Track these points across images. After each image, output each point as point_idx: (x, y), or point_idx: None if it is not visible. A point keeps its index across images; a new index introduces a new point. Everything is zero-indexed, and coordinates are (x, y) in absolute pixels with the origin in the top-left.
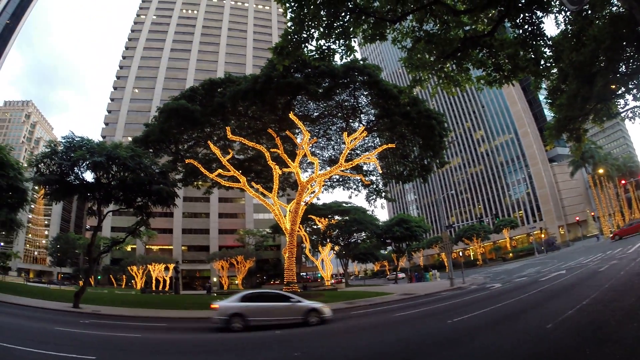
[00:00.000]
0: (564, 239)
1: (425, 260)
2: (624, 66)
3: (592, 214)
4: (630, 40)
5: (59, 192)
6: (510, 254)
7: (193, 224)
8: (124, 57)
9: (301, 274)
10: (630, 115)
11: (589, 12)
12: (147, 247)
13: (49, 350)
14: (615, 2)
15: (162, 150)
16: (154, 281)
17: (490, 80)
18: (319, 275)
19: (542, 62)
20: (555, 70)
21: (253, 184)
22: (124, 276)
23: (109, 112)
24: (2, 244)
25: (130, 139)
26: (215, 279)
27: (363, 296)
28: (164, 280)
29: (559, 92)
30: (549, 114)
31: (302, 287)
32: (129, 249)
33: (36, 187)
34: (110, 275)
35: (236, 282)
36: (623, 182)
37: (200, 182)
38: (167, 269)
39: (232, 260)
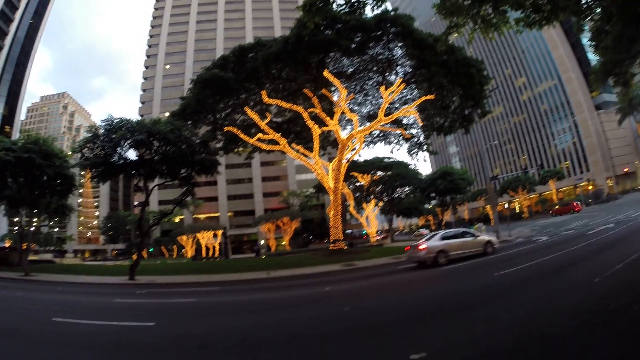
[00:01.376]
0: (612, 191)
1: (470, 214)
2: None
3: None
4: None
5: (104, 173)
6: (557, 207)
7: (237, 189)
8: (151, 36)
9: (346, 231)
10: None
11: None
12: (194, 216)
13: (111, 321)
14: None
15: (200, 121)
16: (203, 249)
17: (530, 22)
18: (364, 232)
19: (584, 1)
20: (598, 10)
21: (293, 145)
22: (174, 246)
23: (144, 90)
24: (57, 229)
25: (167, 114)
26: (262, 242)
27: None
28: (213, 247)
29: (603, 33)
30: (593, 58)
31: (348, 244)
32: (177, 220)
33: (82, 172)
34: (162, 247)
35: (283, 243)
36: None
37: (241, 149)
38: (215, 236)
39: (278, 222)
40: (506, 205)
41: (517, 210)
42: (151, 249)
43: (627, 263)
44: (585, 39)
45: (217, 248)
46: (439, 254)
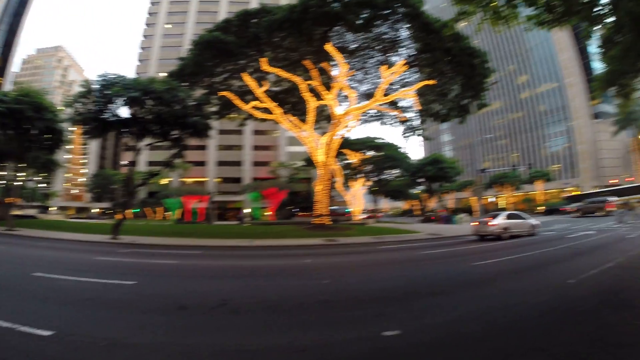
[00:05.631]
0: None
1: (455, 203)
2: None
3: (629, 179)
4: None
5: (96, 129)
6: (542, 207)
7: (227, 156)
8: None
9: (331, 207)
10: None
11: None
12: (181, 179)
13: (91, 278)
14: None
15: (196, 84)
16: (189, 213)
17: (540, 21)
18: (348, 209)
19: (598, 9)
20: (610, 19)
21: (288, 116)
22: (160, 208)
23: (143, 49)
24: (43, 185)
25: (164, 74)
26: (247, 210)
27: (391, 232)
28: (198, 212)
29: (612, 43)
30: (597, 67)
31: (332, 220)
32: (164, 182)
33: (73, 128)
34: (147, 208)
35: (268, 213)
36: None
37: (235, 115)
38: (201, 200)
39: (265, 192)
40: (491, 199)
41: (502, 206)
42: (136, 210)
43: (602, 270)
44: (592, 47)
45: (201, 213)
46: (504, 230)
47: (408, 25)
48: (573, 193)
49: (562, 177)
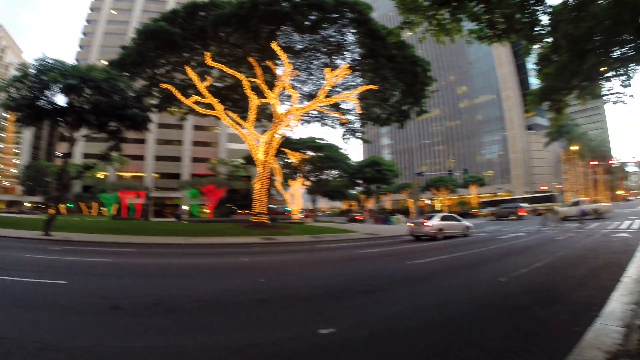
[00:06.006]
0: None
1: (392, 205)
2: (618, 50)
3: (559, 186)
4: (630, 27)
5: (30, 117)
6: (475, 210)
7: (166, 151)
8: None
9: (270, 206)
10: (614, 100)
11: None
12: (118, 174)
13: (19, 277)
14: None
15: (138, 74)
16: (125, 208)
17: (482, 36)
18: (287, 208)
19: (538, 29)
20: (549, 39)
21: (229, 112)
22: (95, 204)
23: (85, 34)
24: None
25: (105, 62)
26: (185, 207)
27: (329, 232)
28: (135, 208)
29: (549, 61)
30: (533, 83)
31: (270, 218)
32: (100, 176)
33: (5, 115)
34: (82, 203)
35: (206, 210)
36: (594, 163)
37: (175, 109)
38: (138, 196)
39: (203, 188)
40: (427, 202)
41: (437, 208)
42: (70, 205)
43: (532, 268)
44: (530, 64)
45: (138, 209)
46: (439, 231)
47: (355, 31)
48: (487, 199)
49: (495, 182)
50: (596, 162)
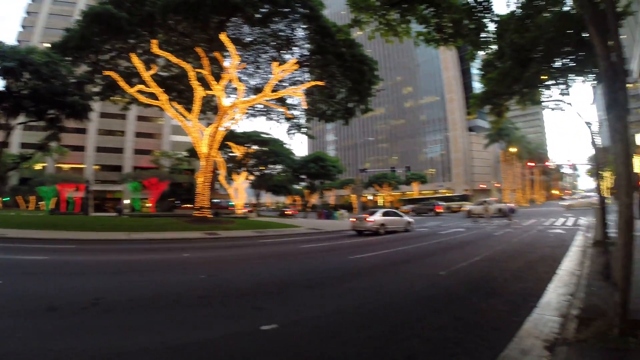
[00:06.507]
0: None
1: (336, 200)
2: (559, 61)
3: (497, 185)
4: (572, 39)
5: None
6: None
7: (107, 142)
8: None
9: (214, 200)
10: (553, 106)
11: (542, 2)
12: (57, 165)
13: None
14: (569, 3)
15: (81, 59)
16: (64, 202)
17: (429, 39)
18: (231, 203)
19: (484, 35)
20: (494, 46)
21: (173, 103)
22: (33, 197)
23: (28, 13)
24: None
25: (48, 45)
26: (127, 201)
27: (273, 227)
28: (74, 202)
29: (493, 67)
30: (477, 87)
31: (213, 213)
32: (38, 167)
33: None
34: (18, 197)
35: (148, 204)
36: (530, 164)
37: (118, 97)
38: (78, 189)
39: (146, 182)
40: (370, 197)
41: (380, 204)
42: (6, 199)
43: (471, 262)
44: (474, 69)
45: (77, 203)
46: (380, 226)
47: (305, 26)
48: (408, 196)
49: (437, 180)
50: (533, 164)
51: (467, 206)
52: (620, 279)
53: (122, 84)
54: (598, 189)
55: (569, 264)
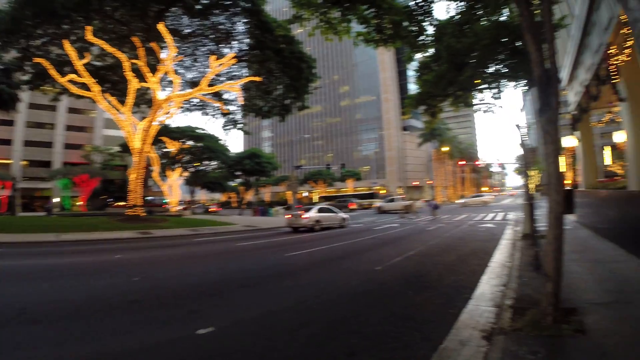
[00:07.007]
0: (406, 198)
1: (271, 197)
2: (493, 67)
3: (430, 182)
4: (506, 47)
5: None
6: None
7: (36, 135)
8: None
9: (147, 197)
10: (485, 109)
11: (481, 11)
12: None
13: None
14: (505, 13)
15: (10, 44)
16: None
17: (369, 39)
18: (165, 200)
19: (422, 38)
20: (431, 49)
21: (106, 95)
22: None
23: None
24: None
25: None
26: (56, 199)
27: (207, 224)
28: (0, 201)
29: (429, 69)
30: (412, 88)
31: (147, 211)
32: None
33: None
34: None
35: (79, 203)
36: (461, 163)
37: (49, 87)
38: (4, 187)
39: (76, 178)
40: (306, 194)
41: (316, 200)
42: None
43: (406, 257)
44: (411, 71)
45: (3, 202)
46: (316, 222)
47: (246, 20)
48: (382, 191)
49: (371, 177)
50: (464, 162)
51: (377, 203)
52: (552, 270)
53: (53, 72)
54: (526, 187)
55: (500, 256)
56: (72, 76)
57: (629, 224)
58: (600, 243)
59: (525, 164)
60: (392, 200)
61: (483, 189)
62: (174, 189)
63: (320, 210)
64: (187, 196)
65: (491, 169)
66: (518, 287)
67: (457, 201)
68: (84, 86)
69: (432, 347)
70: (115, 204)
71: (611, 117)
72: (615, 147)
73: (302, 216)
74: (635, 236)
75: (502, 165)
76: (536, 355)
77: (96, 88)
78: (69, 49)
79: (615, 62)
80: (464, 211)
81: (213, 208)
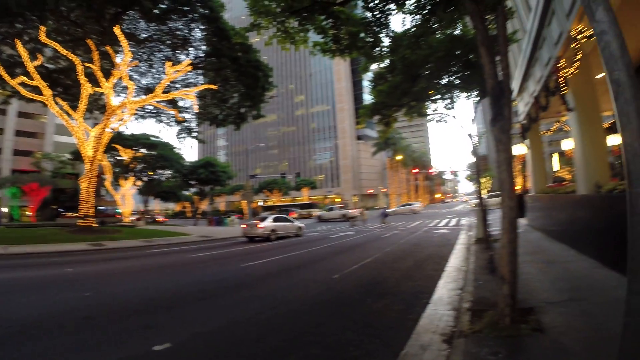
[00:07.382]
0: (356, 206)
1: (227, 206)
2: (446, 78)
3: (384, 190)
4: (459, 60)
5: None
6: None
7: None
8: None
9: (99, 207)
10: (438, 119)
11: (436, 25)
12: None
13: None
14: (459, 27)
15: None
16: None
17: (326, 49)
18: (118, 210)
19: (378, 49)
20: (387, 60)
21: (58, 100)
22: None
23: None
24: None
25: None
26: (5, 209)
27: (162, 235)
28: None
29: (384, 79)
30: (366, 99)
31: (99, 222)
32: None
33: None
34: None
35: (28, 213)
36: (415, 171)
37: None
38: None
39: (26, 187)
40: (261, 203)
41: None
42: None
43: (362, 264)
44: (366, 81)
45: None
46: (271, 232)
47: (203, 27)
48: (337, 200)
49: (326, 185)
50: (417, 170)
51: (317, 212)
52: (507, 272)
53: (2, 73)
54: (478, 192)
55: (455, 261)
56: (23, 78)
57: (578, 226)
58: (552, 244)
59: (477, 171)
60: (331, 209)
61: (437, 195)
62: (127, 198)
63: (276, 220)
64: (141, 206)
65: (444, 177)
66: (475, 290)
67: (342, 211)
68: (36, 89)
69: (393, 353)
70: (67, 214)
71: (559, 126)
72: (563, 154)
73: (258, 225)
74: (585, 237)
75: (454, 173)
76: (497, 356)
77: (48, 92)
78: (21, 50)
79: (564, 74)
80: (418, 217)
81: (160, 218)
